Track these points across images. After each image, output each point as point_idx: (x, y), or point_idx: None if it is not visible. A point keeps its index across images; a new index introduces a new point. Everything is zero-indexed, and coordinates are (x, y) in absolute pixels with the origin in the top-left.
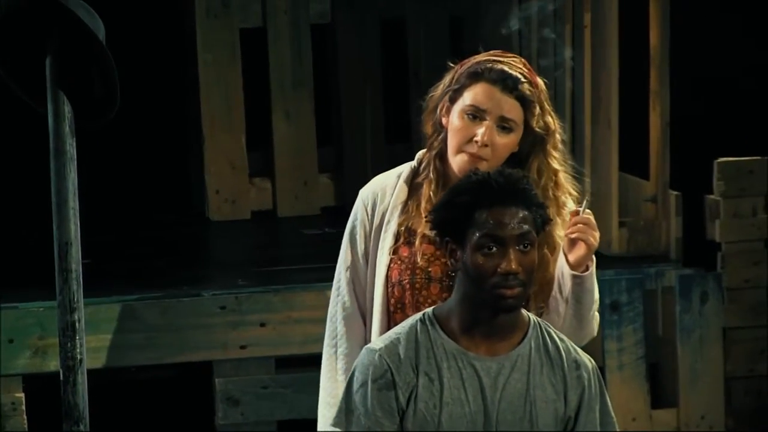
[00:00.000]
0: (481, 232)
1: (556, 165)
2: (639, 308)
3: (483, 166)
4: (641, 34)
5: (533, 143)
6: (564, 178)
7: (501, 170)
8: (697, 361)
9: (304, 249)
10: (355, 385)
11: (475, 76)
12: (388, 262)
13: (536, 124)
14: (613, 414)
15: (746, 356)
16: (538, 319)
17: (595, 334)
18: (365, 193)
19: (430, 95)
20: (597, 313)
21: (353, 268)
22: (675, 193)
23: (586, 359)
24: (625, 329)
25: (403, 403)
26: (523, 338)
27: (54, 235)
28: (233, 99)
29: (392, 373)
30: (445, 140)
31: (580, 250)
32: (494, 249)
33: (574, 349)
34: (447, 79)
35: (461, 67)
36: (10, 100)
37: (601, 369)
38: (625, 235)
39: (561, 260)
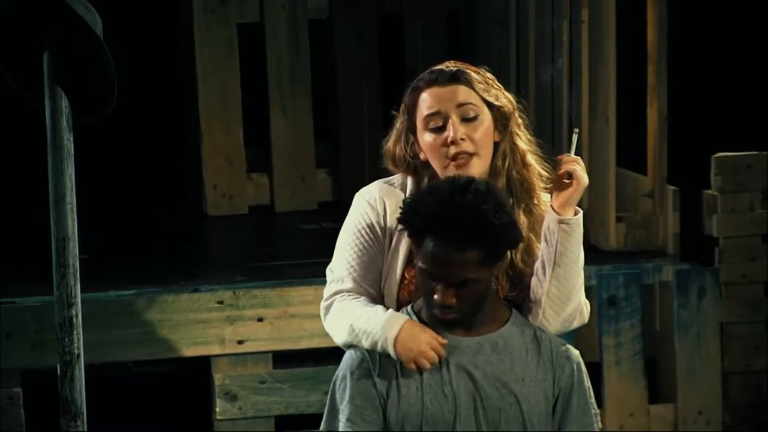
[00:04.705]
0: (422, 266)
1: (522, 144)
2: (636, 303)
3: (475, 163)
4: (639, 30)
5: (497, 127)
6: (533, 160)
7: (456, 203)
8: (694, 357)
9: (301, 244)
10: (338, 383)
11: (415, 91)
12: (399, 281)
13: (497, 101)
14: (595, 405)
15: (744, 351)
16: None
17: (586, 319)
18: (372, 196)
19: (384, 147)
20: (586, 301)
21: (367, 269)
22: (672, 188)
23: (570, 346)
24: (623, 324)
25: (383, 391)
26: (506, 323)
27: (51, 231)
28: (230, 94)
29: (369, 362)
30: (431, 167)
31: (568, 187)
32: (433, 284)
33: (558, 337)
34: (398, 123)
35: (403, 103)
36: (7, 95)
37: (599, 364)
38: (623, 230)
39: (548, 217)
